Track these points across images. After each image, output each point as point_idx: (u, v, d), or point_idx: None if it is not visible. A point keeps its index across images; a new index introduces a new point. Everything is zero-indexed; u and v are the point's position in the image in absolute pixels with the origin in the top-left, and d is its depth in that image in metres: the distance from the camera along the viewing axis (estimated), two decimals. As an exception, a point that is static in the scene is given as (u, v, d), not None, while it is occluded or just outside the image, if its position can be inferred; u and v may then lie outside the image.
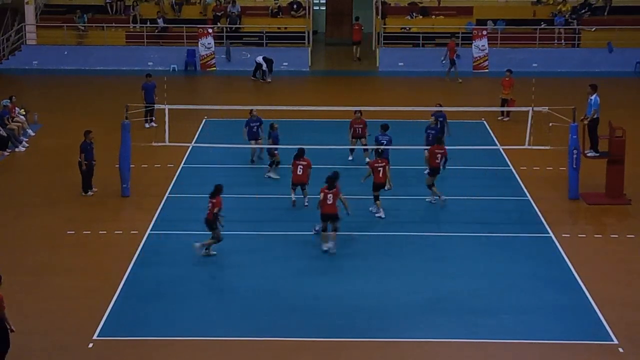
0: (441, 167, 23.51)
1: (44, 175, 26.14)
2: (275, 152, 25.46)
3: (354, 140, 26.38)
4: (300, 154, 23.12)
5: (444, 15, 43.08)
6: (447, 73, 38.74)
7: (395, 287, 18.93)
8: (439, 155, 23.37)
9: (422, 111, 28.03)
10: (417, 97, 34.51)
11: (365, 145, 26.34)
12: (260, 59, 39.04)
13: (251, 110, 26.69)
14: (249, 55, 40.55)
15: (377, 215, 22.74)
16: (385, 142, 24.63)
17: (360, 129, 26.39)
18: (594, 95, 23.96)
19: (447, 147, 23.39)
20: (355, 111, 26.53)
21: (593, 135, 24.30)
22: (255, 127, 26.51)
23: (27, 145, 28.86)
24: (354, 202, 21.42)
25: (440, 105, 27.31)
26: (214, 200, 20.20)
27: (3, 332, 15.49)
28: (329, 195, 20.36)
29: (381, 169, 22.45)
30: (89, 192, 24.23)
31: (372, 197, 22.55)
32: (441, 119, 27.03)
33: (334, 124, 28.93)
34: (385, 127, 25.13)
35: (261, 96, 34.81)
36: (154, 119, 30.06)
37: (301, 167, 22.90)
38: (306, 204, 23.01)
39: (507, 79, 31.85)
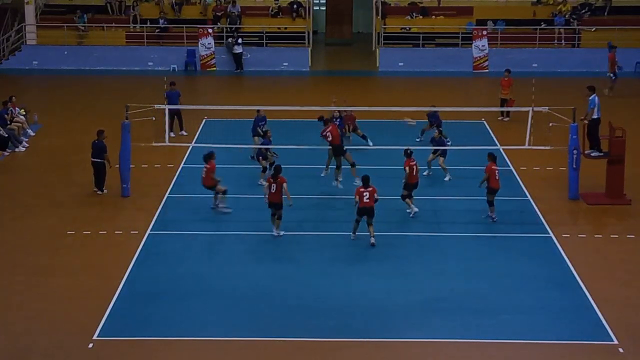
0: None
1: (43, 176, 26.13)
2: (267, 156, 24.65)
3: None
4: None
5: (444, 15, 43.06)
6: (611, 88, 35.42)
7: (395, 287, 18.93)
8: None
9: (422, 111, 28.14)
10: (417, 97, 34.47)
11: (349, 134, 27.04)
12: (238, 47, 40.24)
13: (258, 110, 26.77)
14: (249, 55, 40.65)
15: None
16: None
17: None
18: (593, 96, 24.04)
19: (447, 147, 23.16)
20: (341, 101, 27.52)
21: (593, 135, 24.30)
22: (261, 126, 26.52)
23: (27, 145, 28.85)
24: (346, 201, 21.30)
25: (434, 107, 27.60)
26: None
27: None
28: (272, 185, 21.10)
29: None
30: (105, 190, 24.34)
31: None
32: (433, 119, 27.41)
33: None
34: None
35: (261, 96, 34.75)
36: (171, 129, 26.79)
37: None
38: None
39: (506, 78, 31.84)
